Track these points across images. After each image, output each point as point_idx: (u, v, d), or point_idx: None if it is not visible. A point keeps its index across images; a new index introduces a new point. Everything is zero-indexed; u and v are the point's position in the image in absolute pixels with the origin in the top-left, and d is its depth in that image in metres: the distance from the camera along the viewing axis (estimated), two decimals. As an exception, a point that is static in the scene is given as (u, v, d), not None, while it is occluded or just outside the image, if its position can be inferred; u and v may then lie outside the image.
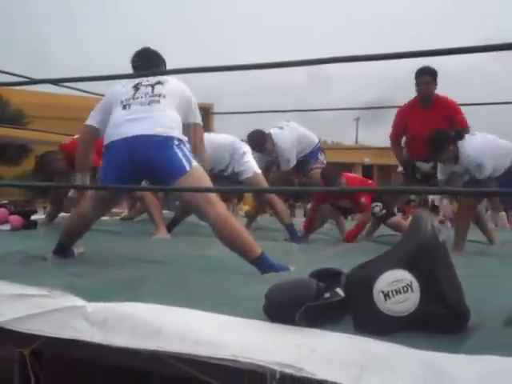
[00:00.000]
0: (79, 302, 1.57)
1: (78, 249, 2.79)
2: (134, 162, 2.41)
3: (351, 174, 4.87)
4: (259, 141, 4.52)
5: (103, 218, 6.30)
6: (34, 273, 2.10)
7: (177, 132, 2.49)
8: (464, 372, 1.14)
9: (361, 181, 4.80)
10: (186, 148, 2.48)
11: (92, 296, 1.61)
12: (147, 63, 2.78)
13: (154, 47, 2.91)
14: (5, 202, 8.16)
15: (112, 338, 1.43)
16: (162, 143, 2.41)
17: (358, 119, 30.47)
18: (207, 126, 4.97)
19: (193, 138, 2.72)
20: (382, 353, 1.23)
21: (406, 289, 1.35)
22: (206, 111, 6.84)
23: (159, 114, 2.51)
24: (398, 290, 1.35)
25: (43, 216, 4.87)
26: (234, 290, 1.82)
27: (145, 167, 2.42)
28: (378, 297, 1.35)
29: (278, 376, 1.23)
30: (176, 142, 2.43)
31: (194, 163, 2.45)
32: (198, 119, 2.81)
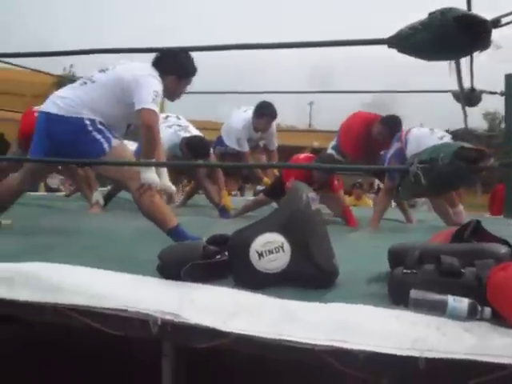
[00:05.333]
0: (-13, 262, 1.70)
1: (5, 220, 2.89)
2: (50, 137, 2.53)
3: (302, 155, 4.69)
4: None
5: (41, 193, 6.35)
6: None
7: (87, 112, 2.54)
8: (313, 315, 1.36)
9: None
10: (103, 126, 2.57)
11: (3, 258, 1.75)
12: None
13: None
14: None
15: (17, 293, 1.57)
16: (75, 125, 2.50)
17: (311, 103, 30.94)
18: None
19: (140, 129, 2.56)
20: (248, 302, 1.43)
21: (277, 249, 1.56)
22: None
23: (76, 96, 2.58)
24: (270, 250, 1.56)
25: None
26: (141, 255, 1.98)
27: (62, 147, 2.52)
28: (253, 256, 1.55)
29: (159, 322, 1.41)
30: (88, 122, 2.52)
31: (115, 143, 2.57)
32: (143, 104, 2.48)
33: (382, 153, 4.37)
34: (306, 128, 27.32)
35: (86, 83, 2.62)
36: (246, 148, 4.77)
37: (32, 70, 6.08)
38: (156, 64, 2.71)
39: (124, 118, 2.65)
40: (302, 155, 4.48)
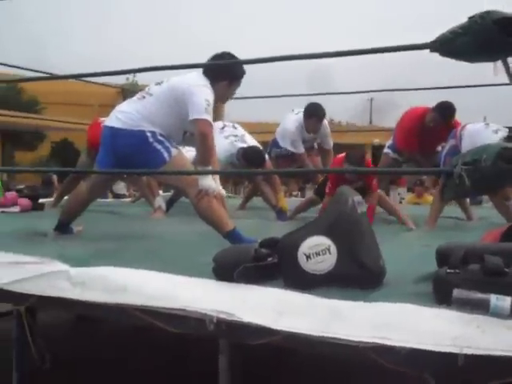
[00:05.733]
0: (64, 267, 1.89)
1: (77, 227, 3.12)
2: (115, 151, 2.72)
3: (339, 156, 4.85)
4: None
5: (108, 199, 6.70)
6: (34, 245, 2.43)
7: (147, 125, 2.70)
8: (358, 314, 1.43)
9: None
10: (162, 137, 2.73)
11: (76, 262, 1.93)
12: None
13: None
14: (21, 187, 8.65)
15: (88, 295, 1.74)
16: (137, 137, 2.67)
17: (371, 99, 30.38)
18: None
19: (196, 138, 2.71)
20: (298, 302, 1.52)
21: (324, 252, 1.64)
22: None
23: (135, 109, 2.75)
24: (317, 252, 1.64)
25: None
26: (199, 258, 2.11)
27: (126, 158, 2.70)
28: (301, 258, 1.64)
29: (215, 321, 1.53)
30: (149, 134, 2.69)
31: (174, 152, 2.73)
32: (198, 114, 2.65)
33: (439, 149, 4.33)
34: (367, 125, 26.99)
35: (144, 97, 2.80)
36: (301, 149, 4.84)
37: (97, 83, 6.48)
38: (207, 72, 2.85)
39: (180, 126, 2.81)
40: (339, 156, 4.47)
